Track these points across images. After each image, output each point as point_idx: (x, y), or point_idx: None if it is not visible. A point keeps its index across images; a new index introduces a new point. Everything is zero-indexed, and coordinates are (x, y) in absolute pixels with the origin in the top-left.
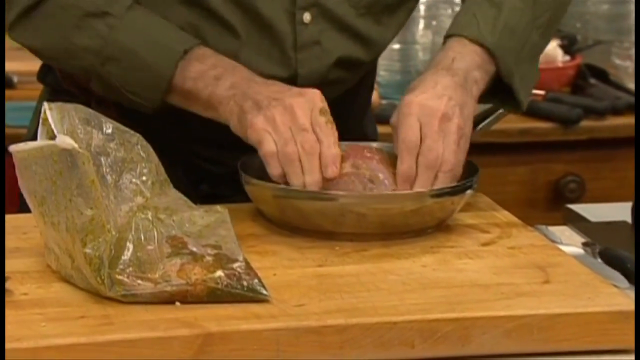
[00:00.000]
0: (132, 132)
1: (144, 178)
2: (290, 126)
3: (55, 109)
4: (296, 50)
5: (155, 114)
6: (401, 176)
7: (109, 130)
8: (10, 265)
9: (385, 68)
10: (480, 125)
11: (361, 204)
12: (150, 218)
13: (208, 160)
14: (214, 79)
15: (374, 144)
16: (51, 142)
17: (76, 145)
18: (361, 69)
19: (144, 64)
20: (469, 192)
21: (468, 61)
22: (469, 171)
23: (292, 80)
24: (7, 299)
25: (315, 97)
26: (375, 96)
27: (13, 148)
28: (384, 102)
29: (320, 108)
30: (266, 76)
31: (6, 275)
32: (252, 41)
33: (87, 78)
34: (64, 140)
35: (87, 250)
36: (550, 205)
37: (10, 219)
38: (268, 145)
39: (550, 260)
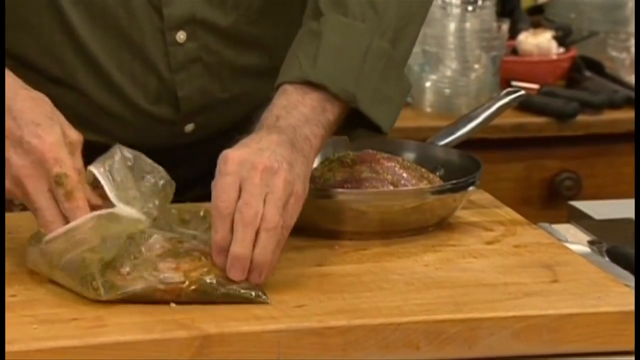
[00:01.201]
0: (160, 172)
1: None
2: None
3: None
4: (172, 72)
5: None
6: (215, 247)
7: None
8: None
9: None
10: (491, 110)
11: (361, 201)
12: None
13: None
14: None
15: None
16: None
17: (140, 216)
18: (275, 75)
19: None
20: (471, 188)
21: (295, 117)
22: (471, 167)
23: (175, 104)
24: None
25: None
26: None
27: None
28: None
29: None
30: (148, 107)
31: None
32: (124, 67)
33: None
34: (124, 209)
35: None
36: (545, 203)
37: None
38: None
39: (557, 259)
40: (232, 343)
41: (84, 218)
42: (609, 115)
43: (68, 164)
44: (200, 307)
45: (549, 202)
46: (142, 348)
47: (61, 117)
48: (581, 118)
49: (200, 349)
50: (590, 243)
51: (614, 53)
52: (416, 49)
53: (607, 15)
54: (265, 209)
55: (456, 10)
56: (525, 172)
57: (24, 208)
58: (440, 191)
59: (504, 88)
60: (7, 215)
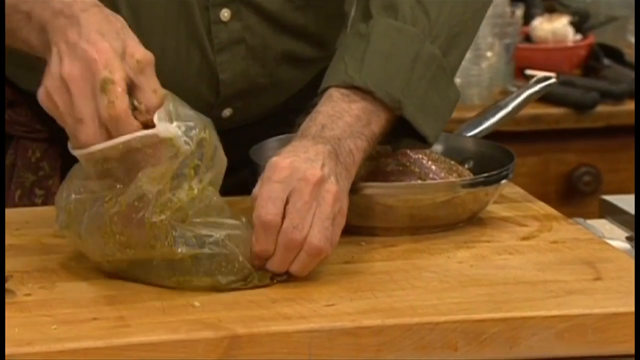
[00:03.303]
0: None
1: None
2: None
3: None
4: (214, 53)
5: None
6: (254, 255)
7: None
8: (7, 264)
9: None
10: (520, 99)
11: (388, 196)
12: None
13: None
14: None
15: None
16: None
17: (180, 133)
18: (316, 64)
19: None
20: (504, 181)
21: (340, 127)
22: (502, 158)
23: (215, 87)
24: (9, 300)
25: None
26: None
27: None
28: None
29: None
30: (187, 87)
31: (6, 274)
32: (167, 43)
33: None
34: (167, 129)
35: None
36: (563, 199)
37: None
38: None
39: (598, 256)
40: (261, 344)
41: (124, 137)
42: (630, 106)
43: (118, 72)
44: (225, 306)
45: (567, 198)
46: (167, 349)
47: (130, 36)
48: (601, 109)
49: (228, 349)
50: (629, 239)
51: (633, 39)
52: None
53: None
54: (312, 232)
55: None
56: (542, 167)
57: (45, 201)
58: (472, 184)
59: (518, 77)
60: (13, 210)
